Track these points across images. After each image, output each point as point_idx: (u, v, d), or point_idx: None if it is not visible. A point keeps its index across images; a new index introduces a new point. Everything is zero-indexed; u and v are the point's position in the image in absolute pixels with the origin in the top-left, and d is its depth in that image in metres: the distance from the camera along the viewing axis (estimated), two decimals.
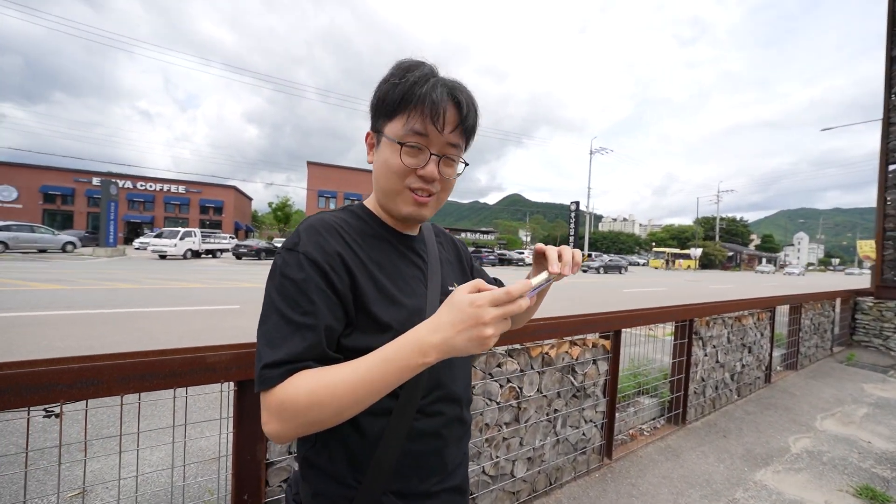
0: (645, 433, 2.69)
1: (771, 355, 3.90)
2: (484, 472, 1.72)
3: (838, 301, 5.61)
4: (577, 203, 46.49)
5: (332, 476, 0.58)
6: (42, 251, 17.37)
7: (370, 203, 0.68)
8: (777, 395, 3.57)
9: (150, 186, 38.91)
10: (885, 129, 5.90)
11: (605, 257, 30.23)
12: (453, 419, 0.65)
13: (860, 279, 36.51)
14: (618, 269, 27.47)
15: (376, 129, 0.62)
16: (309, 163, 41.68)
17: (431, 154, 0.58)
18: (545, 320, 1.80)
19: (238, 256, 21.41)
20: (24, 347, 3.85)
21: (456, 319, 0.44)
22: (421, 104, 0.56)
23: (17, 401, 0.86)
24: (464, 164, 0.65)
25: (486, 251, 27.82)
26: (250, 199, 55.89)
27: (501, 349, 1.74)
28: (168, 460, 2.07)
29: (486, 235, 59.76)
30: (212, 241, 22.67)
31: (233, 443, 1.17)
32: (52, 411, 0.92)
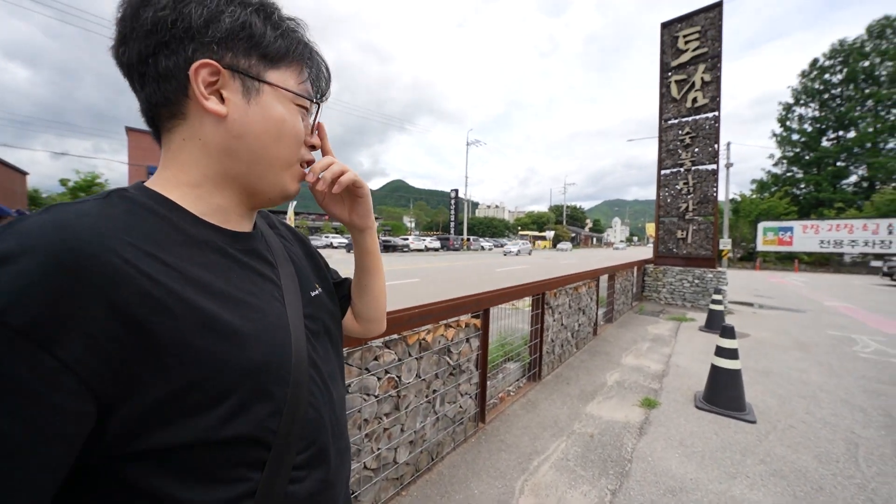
0: (511, 393, 3.13)
1: (597, 314, 5.04)
2: (365, 467, 1.69)
3: (636, 269, 7.63)
4: (457, 191, 49.74)
5: None
6: None
7: (166, 187, 0.42)
8: (601, 344, 4.65)
9: None
10: (660, 144, 8.21)
11: (520, 242, 35.68)
12: (343, 450, 0.53)
13: (639, 251, 50.53)
14: (528, 252, 32.90)
15: (240, 68, 0.42)
16: (129, 129, 30.43)
17: (317, 122, 0.52)
18: (420, 308, 1.86)
19: None
20: None
21: None
22: (315, 64, 0.49)
23: None
24: None
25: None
26: (24, 172, 38.39)
27: (378, 342, 1.72)
28: None
29: None
30: None
31: None
32: None
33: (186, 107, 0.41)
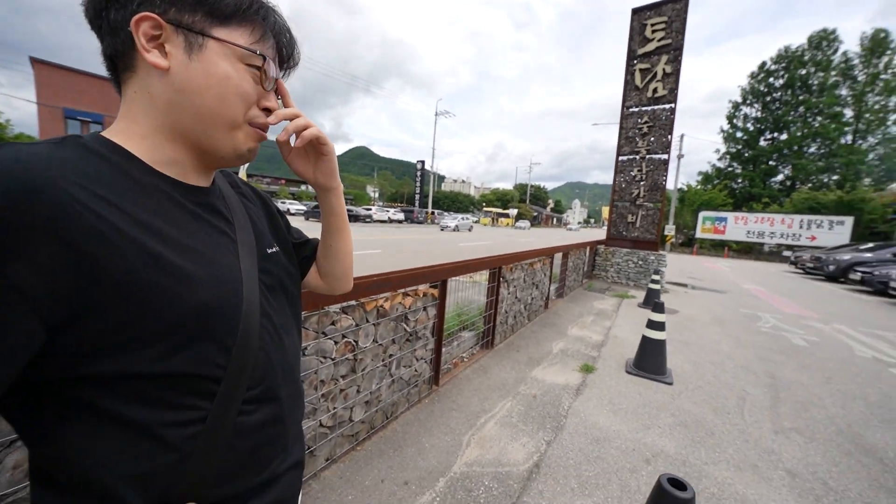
0: (465, 360, 3.32)
1: (549, 289, 5.37)
2: (321, 424, 1.76)
3: (588, 248, 8.12)
4: (423, 162, 48.65)
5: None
6: None
7: (121, 137, 0.44)
8: (551, 317, 5.00)
9: None
10: (620, 131, 8.56)
11: (459, 217, 32.15)
12: (292, 396, 0.56)
13: (592, 233, 53.79)
14: (468, 228, 30.12)
15: (184, 23, 0.42)
16: (35, 60, 22.60)
17: (276, 81, 0.51)
18: (378, 276, 1.89)
19: None
20: None
21: None
22: (270, 23, 0.48)
23: None
24: None
25: None
26: None
27: (336, 307, 1.74)
28: None
29: None
30: None
31: None
32: None
33: (136, 60, 0.43)
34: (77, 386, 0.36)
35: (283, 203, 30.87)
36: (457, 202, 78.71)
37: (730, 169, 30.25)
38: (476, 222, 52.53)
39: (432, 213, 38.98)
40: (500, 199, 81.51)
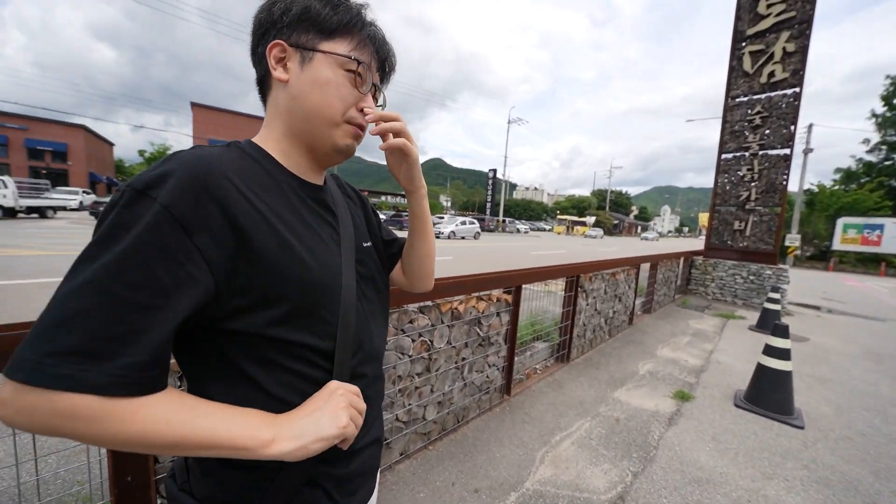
0: (538, 371, 3.16)
1: (634, 303, 4.85)
2: (397, 419, 1.83)
3: (682, 260, 7.16)
4: (495, 171, 48.50)
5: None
6: None
7: (264, 142, 0.55)
8: (635, 334, 4.51)
9: None
10: (723, 125, 7.42)
11: (458, 220, 23.63)
12: (375, 377, 0.62)
13: (689, 243, 46.93)
14: (473, 235, 22.88)
15: (299, 43, 0.51)
16: (194, 104, 33.18)
17: (374, 86, 0.57)
18: (454, 279, 1.91)
19: (98, 216, 17.17)
20: None
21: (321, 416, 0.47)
22: (367, 34, 0.55)
23: None
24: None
25: (406, 215, 27.78)
26: (111, 143, 43.82)
27: (414, 307, 1.81)
28: (10, 457, 1.70)
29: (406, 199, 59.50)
30: (37, 194, 17.12)
31: None
32: None
33: (271, 79, 0.54)
34: (218, 339, 0.46)
35: None
36: (528, 210, 76.67)
37: (888, 162, 23.35)
38: (549, 230, 50.24)
39: (503, 220, 38.56)
40: (576, 206, 76.94)
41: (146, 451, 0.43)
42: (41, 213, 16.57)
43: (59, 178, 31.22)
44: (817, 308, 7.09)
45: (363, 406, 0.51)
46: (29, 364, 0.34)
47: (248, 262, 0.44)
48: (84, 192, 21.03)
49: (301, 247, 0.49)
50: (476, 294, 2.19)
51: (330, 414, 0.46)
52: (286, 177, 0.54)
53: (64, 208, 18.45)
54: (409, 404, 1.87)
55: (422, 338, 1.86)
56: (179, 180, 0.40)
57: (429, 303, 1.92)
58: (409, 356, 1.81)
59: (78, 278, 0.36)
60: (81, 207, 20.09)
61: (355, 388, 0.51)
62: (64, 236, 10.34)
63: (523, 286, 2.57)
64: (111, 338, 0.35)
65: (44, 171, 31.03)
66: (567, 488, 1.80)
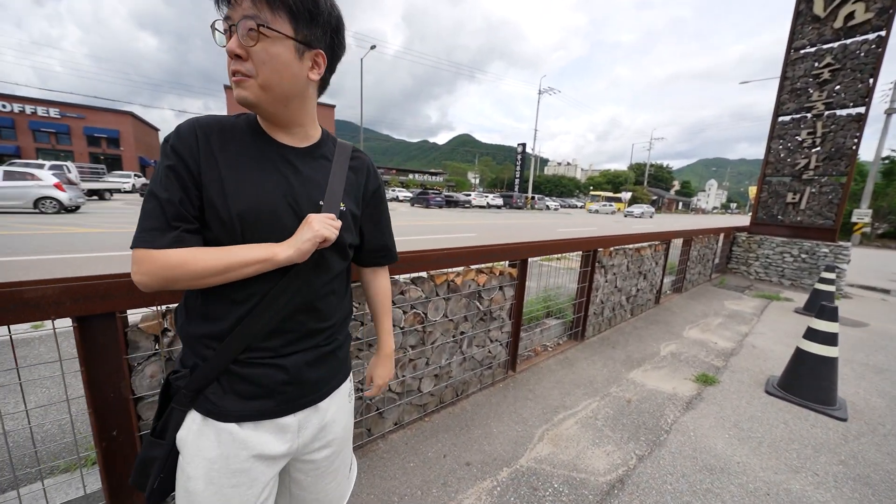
0: (548, 348, 3.06)
1: (662, 281, 4.53)
2: (390, 389, 1.83)
3: (722, 235, 6.58)
4: (524, 145, 46.51)
5: (206, 335, 0.67)
6: None
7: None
8: (662, 314, 4.24)
9: (5, 107, 30.40)
10: (781, 82, 6.50)
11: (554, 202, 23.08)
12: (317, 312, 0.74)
13: (733, 219, 43.18)
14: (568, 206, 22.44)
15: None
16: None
17: (231, 26, 0.60)
18: (448, 250, 1.82)
19: None
20: None
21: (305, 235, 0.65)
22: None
23: None
24: (298, 43, 0.61)
25: (433, 192, 27.68)
26: (156, 129, 46.57)
27: (404, 277, 1.75)
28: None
29: (435, 177, 59.22)
30: (96, 178, 18.50)
31: (84, 381, 1.06)
32: None
33: None
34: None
35: (394, 191, 33.85)
36: (560, 186, 73.66)
37: None
38: (581, 207, 47.99)
39: (532, 197, 37.32)
40: (611, 182, 72.82)
41: (217, 278, 0.61)
42: (100, 195, 17.89)
43: (114, 163, 33.83)
44: (885, 291, 6.32)
45: (338, 223, 0.68)
46: (134, 239, 0.60)
47: (201, 185, 0.63)
48: (136, 175, 22.62)
49: (236, 184, 0.63)
50: (475, 266, 2.09)
51: (307, 227, 0.65)
52: (255, 137, 0.68)
53: (119, 190, 20.01)
54: (403, 376, 1.85)
55: (414, 310, 1.81)
56: (177, 131, 0.63)
57: (423, 274, 1.85)
58: (401, 328, 1.77)
59: (149, 195, 0.62)
60: (133, 189, 21.71)
61: (329, 214, 0.68)
62: (120, 216, 11.26)
63: (536, 261, 2.43)
64: (165, 220, 0.60)
65: (102, 157, 33.71)
66: (563, 468, 1.73)
